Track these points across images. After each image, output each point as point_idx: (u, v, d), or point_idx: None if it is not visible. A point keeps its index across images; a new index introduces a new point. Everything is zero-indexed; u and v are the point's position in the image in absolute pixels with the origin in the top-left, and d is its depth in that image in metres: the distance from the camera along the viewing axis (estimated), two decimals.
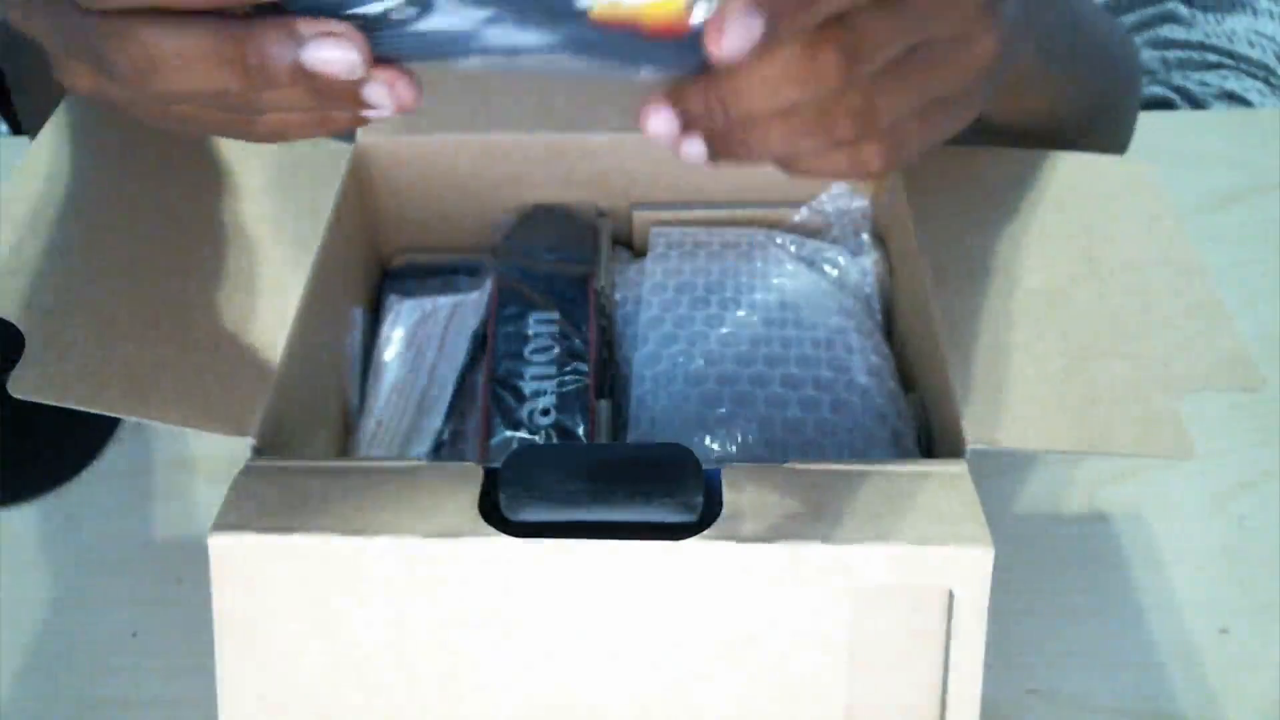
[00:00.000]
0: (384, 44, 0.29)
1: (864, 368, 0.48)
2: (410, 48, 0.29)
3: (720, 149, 0.32)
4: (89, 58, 0.30)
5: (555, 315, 0.50)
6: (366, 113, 0.31)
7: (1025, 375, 0.40)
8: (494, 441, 0.46)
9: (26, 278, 0.40)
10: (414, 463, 0.38)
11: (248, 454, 0.38)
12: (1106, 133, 0.57)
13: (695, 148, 0.32)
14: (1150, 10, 0.96)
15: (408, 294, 0.53)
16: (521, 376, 0.48)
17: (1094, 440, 0.38)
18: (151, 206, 0.43)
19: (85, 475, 0.54)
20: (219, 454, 0.53)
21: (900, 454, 0.46)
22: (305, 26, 0.28)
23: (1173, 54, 0.93)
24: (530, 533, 0.35)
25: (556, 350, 0.48)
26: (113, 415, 0.37)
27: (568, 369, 0.48)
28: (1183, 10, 0.94)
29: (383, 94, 0.29)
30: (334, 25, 0.28)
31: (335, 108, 0.31)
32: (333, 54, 0.28)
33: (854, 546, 0.34)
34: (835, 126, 0.31)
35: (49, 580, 0.50)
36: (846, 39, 0.29)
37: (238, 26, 0.28)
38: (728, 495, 0.36)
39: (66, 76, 0.32)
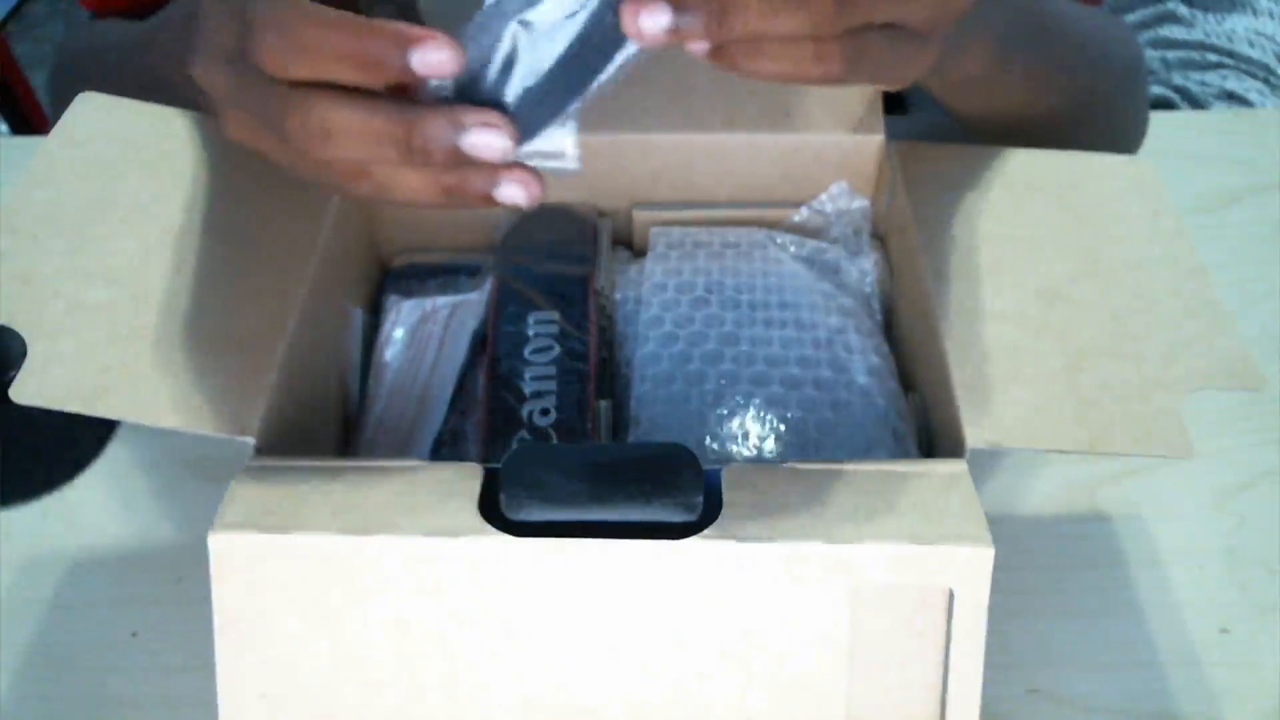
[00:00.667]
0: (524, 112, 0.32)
1: (864, 368, 0.48)
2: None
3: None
4: (263, 118, 0.33)
5: (555, 315, 0.50)
6: (499, 193, 0.33)
7: (1025, 375, 0.40)
8: (494, 442, 0.46)
9: (29, 285, 0.40)
10: (414, 463, 0.38)
11: (248, 454, 0.38)
12: (1104, 129, 0.56)
13: (661, 22, 0.30)
14: (1150, 10, 0.96)
15: (408, 294, 0.53)
16: (521, 376, 0.48)
17: (1094, 440, 0.38)
18: (152, 212, 0.43)
19: (85, 475, 0.54)
20: (219, 454, 0.53)
21: (900, 454, 0.46)
22: (467, 115, 0.31)
23: (1173, 54, 0.93)
24: (530, 532, 0.35)
25: (556, 350, 0.48)
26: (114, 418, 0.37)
27: (568, 369, 0.48)
28: (1183, 10, 0.94)
29: (518, 192, 0.32)
30: (491, 116, 0.31)
31: (466, 190, 0.33)
32: (489, 140, 0.31)
33: (854, 546, 0.34)
34: (816, 5, 0.31)
35: (49, 580, 0.50)
36: None
37: (408, 109, 0.31)
38: (728, 495, 0.36)
39: (227, 125, 0.35)
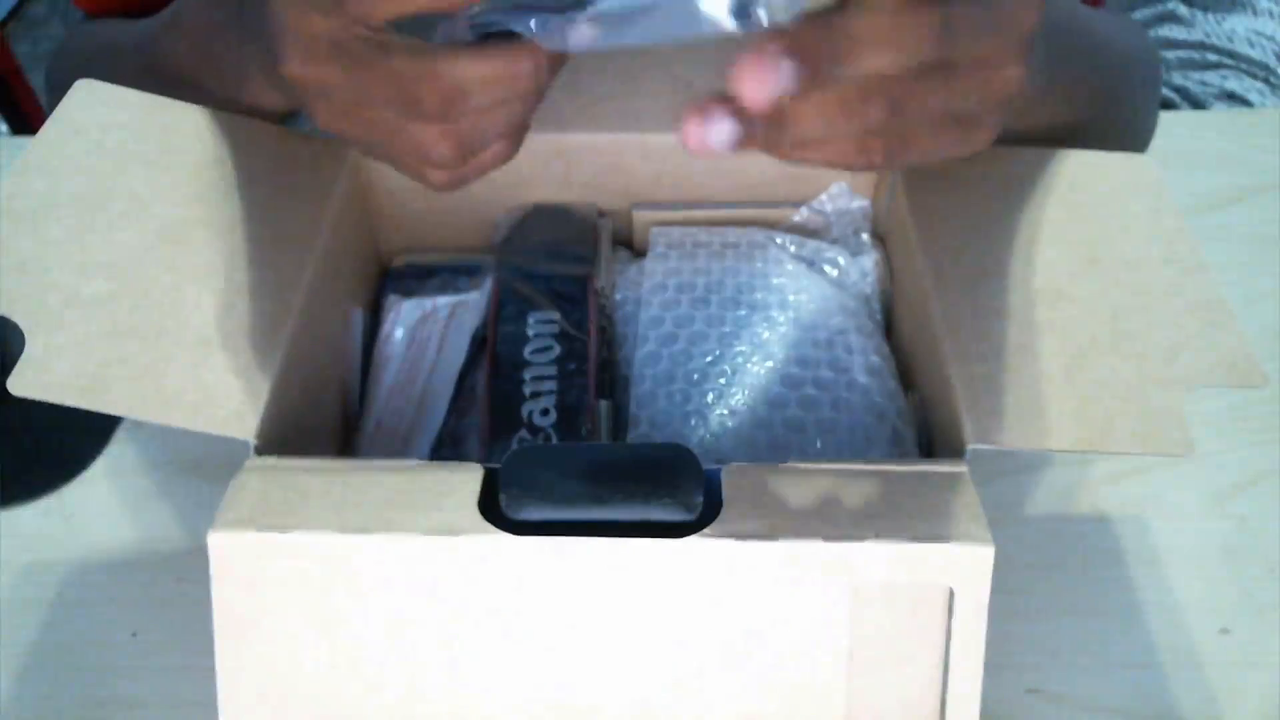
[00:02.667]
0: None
1: (864, 368, 0.48)
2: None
3: (771, 136, 0.32)
4: (392, 99, 0.35)
5: (555, 315, 0.50)
6: None
7: (1025, 375, 0.40)
8: (494, 442, 0.46)
9: (27, 276, 0.40)
10: (414, 463, 0.38)
11: (248, 454, 0.38)
12: (1121, 137, 0.56)
13: (727, 131, 0.31)
14: (1150, 10, 0.96)
15: (408, 294, 0.53)
16: (521, 377, 0.48)
17: (1094, 440, 0.38)
18: (152, 206, 0.43)
19: (85, 475, 0.54)
20: (219, 454, 0.53)
21: (900, 454, 0.46)
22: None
23: (1173, 54, 0.93)
24: (530, 532, 0.35)
25: (556, 350, 0.48)
26: (113, 415, 0.37)
27: (568, 369, 0.48)
28: (1183, 10, 0.94)
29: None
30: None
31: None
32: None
33: (854, 545, 0.34)
34: (868, 110, 0.31)
35: (49, 580, 0.50)
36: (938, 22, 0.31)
37: (524, 54, 0.34)
38: (728, 495, 0.36)
39: (320, 115, 0.37)
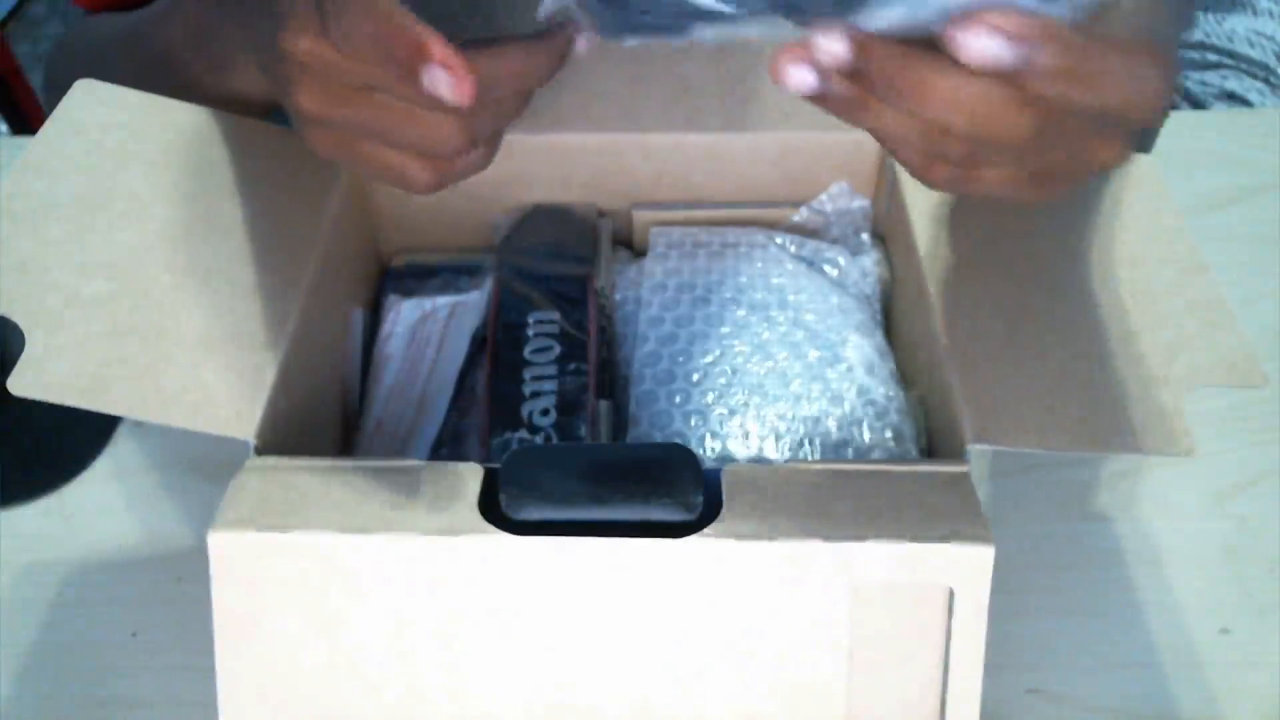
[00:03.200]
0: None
1: (864, 367, 0.48)
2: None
3: (846, 107, 0.31)
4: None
5: (555, 315, 0.50)
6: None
7: (1025, 375, 0.40)
8: (494, 441, 0.46)
9: (27, 276, 0.40)
10: (414, 463, 0.38)
11: (248, 454, 0.38)
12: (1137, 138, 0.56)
13: (808, 80, 0.30)
14: None
15: (408, 294, 0.53)
16: (521, 377, 0.48)
17: (1094, 440, 0.38)
18: (152, 206, 0.43)
19: (85, 475, 0.54)
20: (219, 454, 0.53)
21: (900, 454, 0.46)
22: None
23: None
24: (530, 532, 0.35)
25: (556, 350, 0.48)
26: (113, 415, 0.37)
27: (568, 369, 0.48)
28: None
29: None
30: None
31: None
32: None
33: (854, 545, 0.34)
34: (946, 145, 0.31)
35: (49, 580, 0.50)
36: (1049, 111, 0.29)
37: (540, 50, 0.35)
38: (728, 495, 0.36)
39: (301, 99, 0.35)
